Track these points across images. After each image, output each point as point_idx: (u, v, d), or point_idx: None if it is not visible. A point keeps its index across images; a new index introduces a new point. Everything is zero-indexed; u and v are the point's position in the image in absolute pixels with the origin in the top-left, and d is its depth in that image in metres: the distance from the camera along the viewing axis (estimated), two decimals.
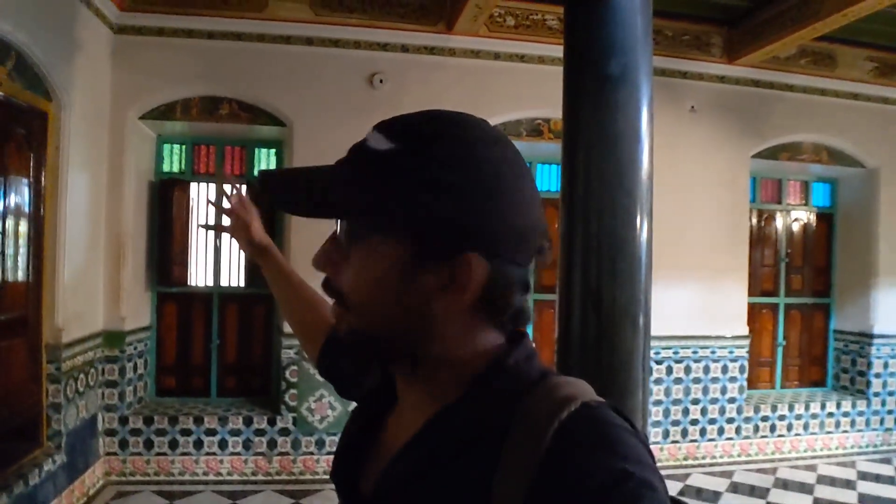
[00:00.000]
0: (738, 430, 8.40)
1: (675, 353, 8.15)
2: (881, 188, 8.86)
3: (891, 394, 9.01)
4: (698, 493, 7.38)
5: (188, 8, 6.87)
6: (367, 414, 1.17)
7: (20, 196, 5.47)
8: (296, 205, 1.04)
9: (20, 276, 5.48)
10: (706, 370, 8.27)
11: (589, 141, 3.64)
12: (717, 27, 8.04)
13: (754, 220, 9.15)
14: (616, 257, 3.61)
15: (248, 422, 7.12)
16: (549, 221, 5.96)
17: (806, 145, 8.72)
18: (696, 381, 8.24)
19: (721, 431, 8.34)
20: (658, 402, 8.09)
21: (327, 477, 6.75)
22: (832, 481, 7.86)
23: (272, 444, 7.15)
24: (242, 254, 7.76)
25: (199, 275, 7.83)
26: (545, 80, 7.15)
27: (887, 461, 8.63)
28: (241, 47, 7.03)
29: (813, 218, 9.54)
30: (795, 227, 9.46)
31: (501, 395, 0.94)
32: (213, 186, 7.76)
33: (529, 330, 1.21)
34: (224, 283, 7.90)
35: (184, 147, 7.79)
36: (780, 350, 9.39)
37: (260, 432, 7.13)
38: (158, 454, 6.96)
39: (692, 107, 8.08)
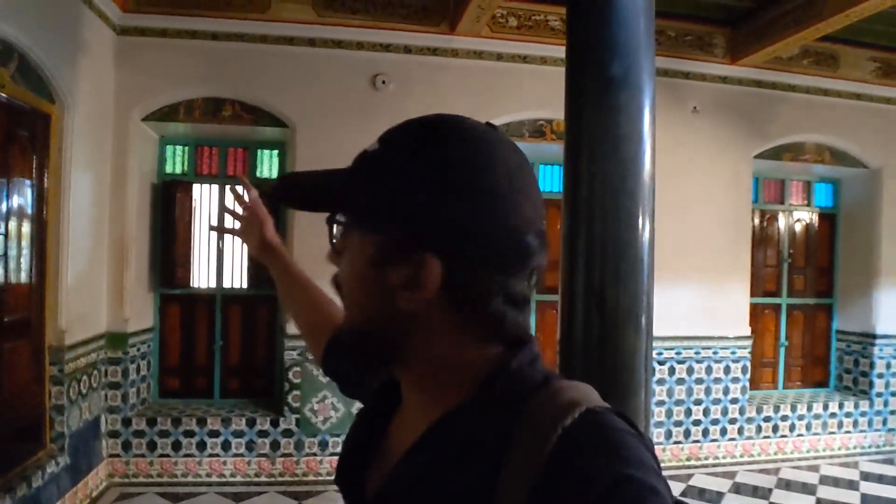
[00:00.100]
0: (740, 431, 8.40)
1: (678, 353, 8.15)
2: (884, 188, 8.86)
3: (893, 394, 9.01)
4: (701, 493, 7.39)
5: (191, 9, 6.88)
6: (372, 417, 1.17)
7: (23, 198, 5.48)
8: (300, 201, 1.12)
9: (23, 277, 5.48)
10: (709, 371, 8.27)
11: (591, 142, 3.63)
12: (720, 28, 8.05)
13: (757, 221, 9.15)
14: (619, 258, 3.60)
15: (251, 423, 7.13)
16: (552, 222, 5.94)
17: (809, 146, 8.73)
18: (699, 381, 8.24)
19: (724, 432, 8.34)
20: (661, 403, 8.10)
21: (330, 478, 6.79)
22: (835, 482, 7.86)
23: (275, 445, 7.15)
24: (245, 255, 7.79)
25: (202, 276, 7.85)
26: (547, 80, 7.17)
27: (890, 461, 8.63)
28: (244, 48, 7.03)
29: (815, 218, 9.55)
30: (798, 228, 9.47)
31: (504, 399, 0.94)
32: (218, 188, 7.79)
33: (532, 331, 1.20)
34: (227, 284, 7.90)
35: (186, 148, 7.79)
36: (782, 350, 9.39)
37: (263, 434, 7.13)
38: (161, 456, 6.96)
39: (695, 107, 8.08)
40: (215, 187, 7.82)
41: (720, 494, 7.36)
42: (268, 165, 7.90)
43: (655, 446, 0.89)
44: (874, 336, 8.95)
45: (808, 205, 9.55)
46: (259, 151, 7.90)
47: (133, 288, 6.97)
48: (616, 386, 3.53)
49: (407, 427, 1.05)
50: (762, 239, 9.24)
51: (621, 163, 3.59)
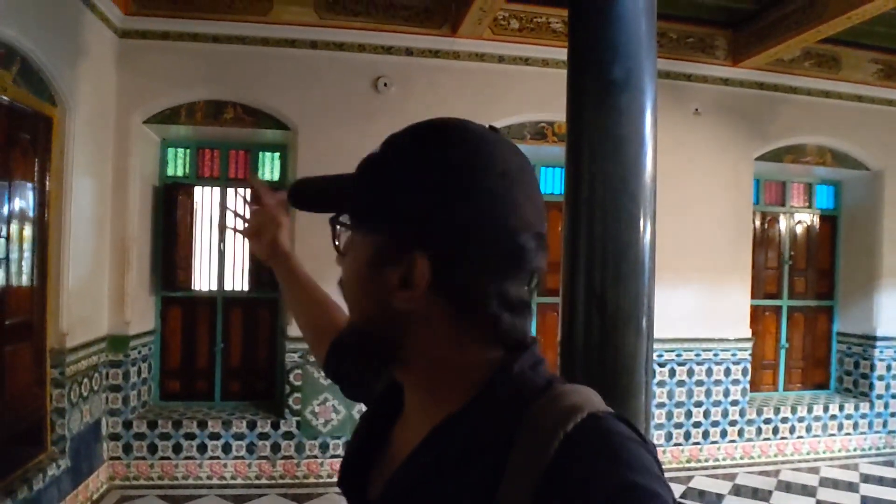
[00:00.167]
0: (740, 433, 8.40)
1: (678, 355, 8.15)
2: (885, 190, 8.86)
3: (894, 396, 9.01)
4: (701, 495, 7.39)
5: (192, 11, 6.88)
6: (376, 420, 1.17)
7: (25, 201, 5.48)
8: (310, 204, 1.14)
9: (25, 280, 5.48)
10: (709, 373, 8.27)
11: (593, 145, 3.63)
12: (722, 30, 8.05)
13: (758, 223, 9.16)
14: (619, 260, 3.60)
15: (252, 426, 7.13)
16: (553, 224, 5.94)
17: (810, 147, 8.73)
18: (699, 383, 8.25)
19: (724, 434, 8.34)
20: (661, 405, 8.10)
21: (331, 480, 6.78)
22: (835, 484, 7.87)
23: (276, 447, 7.15)
24: (247, 258, 7.79)
25: (203, 279, 7.85)
26: (549, 83, 7.18)
27: (890, 464, 8.63)
28: (246, 51, 7.04)
29: (816, 220, 9.55)
30: (799, 230, 9.47)
31: (506, 403, 0.94)
32: (219, 190, 7.79)
33: (532, 333, 1.20)
34: (228, 286, 7.90)
35: (188, 151, 7.80)
36: (783, 352, 9.39)
37: (264, 436, 7.13)
38: (162, 458, 6.97)
39: (696, 109, 8.09)
40: (217, 190, 7.82)
41: (720, 496, 7.37)
42: (269, 168, 7.90)
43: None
44: (875, 338, 8.95)
45: (810, 207, 9.56)
46: (260, 154, 7.90)
47: (134, 290, 6.97)
48: (616, 388, 3.54)
49: (409, 430, 1.05)
50: (763, 241, 9.25)
51: (622, 164, 3.59)
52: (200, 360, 7.79)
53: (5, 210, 5.17)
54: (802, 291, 9.50)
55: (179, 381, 7.77)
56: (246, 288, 7.97)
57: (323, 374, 1.74)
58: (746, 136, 8.32)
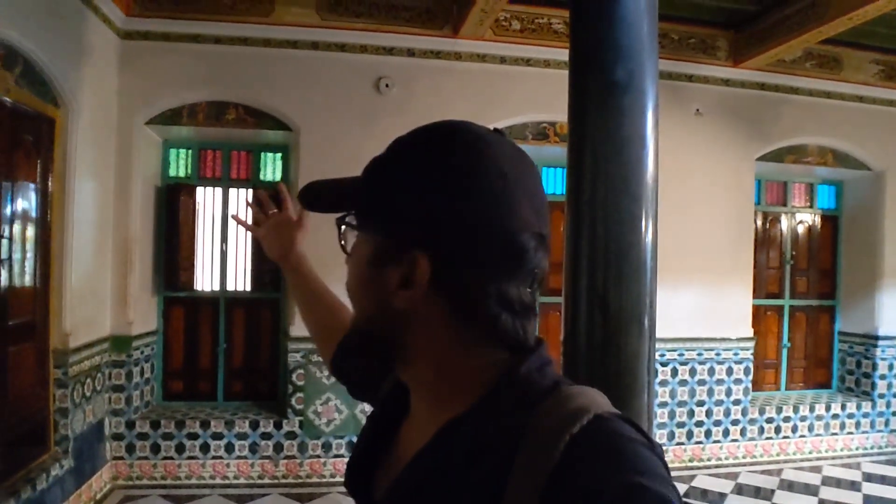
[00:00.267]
0: (742, 432, 8.41)
1: (681, 355, 8.15)
2: (887, 190, 8.87)
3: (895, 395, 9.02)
4: (703, 494, 7.39)
5: (194, 13, 6.89)
6: (382, 421, 1.18)
7: (28, 201, 5.49)
8: (320, 205, 1.15)
9: (28, 281, 5.49)
10: (711, 372, 8.28)
11: (595, 146, 3.64)
12: (723, 30, 8.06)
13: (759, 223, 9.16)
14: (621, 260, 3.61)
15: (254, 425, 7.14)
16: (555, 224, 5.96)
17: (811, 148, 8.73)
18: (701, 382, 8.25)
19: (726, 433, 8.35)
20: (663, 405, 8.10)
21: (334, 480, 6.79)
22: (837, 483, 7.87)
23: (279, 447, 7.16)
24: (249, 258, 7.81)
25: (205, 279, 7.86)
26: (551, 83, 7.19)
27: (892, 463, 8.63)
28: (248, 52, 7.05)
29: (818, 220, 9.55)
30: (800, 230, 9.47)
31: (512, 405, 0.94)
32: (221, 191, 7.80)
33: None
34: (231, 287, 7.91)
35: (190, 152, 7.80)
36: (785, 352, 9.40)
37: (266, 436, 7.14)
38: (165, 458, 6.97)
39: (697, 110, 8.09)
40: (219, 190, 7.83)
41: (723, 495, 7.37)
42: (271, 169, 7.90)
43: None
44: (877, 337, 8.95)
45: (811, 207, 9.56)
46: (262, 155, 7.90)
47: (137, 291, 6.98)
48: (619, 387, 3.54)
49: (416, 431, 1.06)
50: (765, 241, 9.25)
51: (624, 165, 3.59)
52: (203, 360, 7.80)
53: (8, 211, 5.18)
54: (804, 291, 9.50)
55: (182, 382, 7.77)
56: (248, 288, 7.97)
57: (329, 374, 1.75)
58: (748, 137, 8.32)
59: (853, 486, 7.80)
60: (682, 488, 7.43)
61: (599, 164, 3.63)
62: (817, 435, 8.71)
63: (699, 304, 8.10)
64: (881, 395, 8.97)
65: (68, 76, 5.74)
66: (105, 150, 6.60)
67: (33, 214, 5.54)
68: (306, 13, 7.10)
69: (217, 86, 7.09)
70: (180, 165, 7.80)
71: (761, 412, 8.50)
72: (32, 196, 5.54)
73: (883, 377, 8.97)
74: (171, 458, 6.99)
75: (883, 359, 8.96)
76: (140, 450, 6.93)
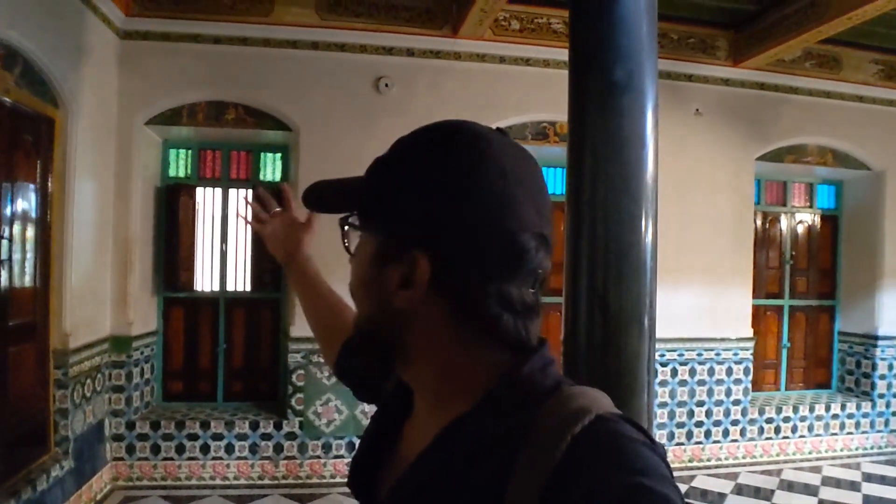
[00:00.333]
0: (742, 432, 8.41)
1: (680, 355, 8.16)
2: (886, 190, 8.87)
3: (895, 395, 9.01)
4: (703, 494, 7.39)
5: (194, 13, 6.89)
6: (385, 421, 1.18)
7: (28, 202, 5.49)
8: (322, 206, 1.16)
9: (28, 281, 5.49)
10: (711, 372, 8.28)
11: (594, 146, 3.64)
12: (723, 30, 8.06)
13: (759, 223, 9.16)
14: (621, 261, 3.61)
15: (254, 426, 7.14)
16: (555, 225, 6.00)
17: (811, 147, 8.74)
18: (701, 382, 8.25)
19: (726, 433, 8.35)
20: (663, 405, 8.10)
21: (334, 481, 6.78)
22: (837, 483, 7.87)
23: (279, 448, 7.16)
24: (249, 258, 7.81)
25: (205, 279, 7.86)
26: (550, 83, 7.19)
27: (892, 463, 8.63)
28: (247, 52, 7.05)
29: (818, 220, 9.56)
30: (800, 230, 9.47)
31: (514, 405, 0.93)
32: (221, 191, 7.80)
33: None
34: (230, 287, 7.91)
35: (190, 152, 7.81)
36: (784, 352, 9.40)
37: (266, 436, 7.14)
38: (165, 459, 6.98)
39: (697, 109, 8.09)
40: (218, 191, 7.84)
41: (722, 496, 7.37)
42: (271, 169, 7.91)
43: None
44: (876, 338, 8.96)
45: (811, 207, 9.56)
46: (262, 155, 7.90)
47: (137, 291, 6.98)
48: (619, 387, 3.54)
49: (418, 431, 1.06)
50: (764, 240, 9.25)
51: (624, 165, 3.59)
52: (203, 360, 7.80)
53: (8, 211, 5.19)
54: (804, 291, 9.51)
55: (182, 382, 7.78)
56: (248, 288, 7.97)
57: (332, 375, 1.75)
58: (747, 137, 8.33)
59: (853, 486, 7.80)
60: (682, 489, 7.39)
61: (599, 164, 3.63)
62: (817, 435, 8.71)
63: (699, 304, 8.10)
64: (881, 395, 8.97)
65: (68, 76, 5.75)
66: (105, 150, 6.60)
67: (33, 215, 5.54)
68: (306, 13, 7.10)
69: (217, 86, 7.09)
70: (180, 165, 7.80)
71: (761, 412, 8.51)
72: (32, 196, 5.54)
73: (883, 377, 8.97)
74: (172, 458, 6.99)
75: (883, 359, 8.96)
76: (140, 450, 6.93)
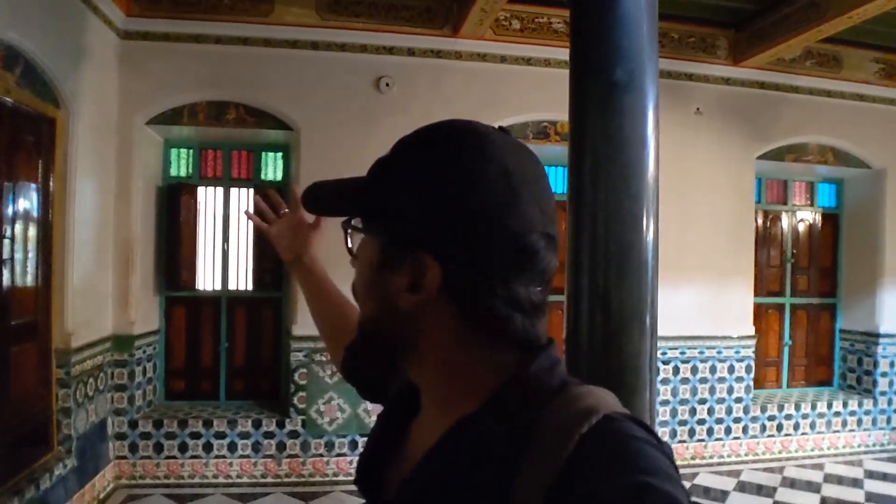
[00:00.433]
0: (745, 430, 8.41)
1: (682, 353, 8.16)
2: (887, 188, 8.87)
3: None
4: (706, 492, 7.40)
5: (194, 13, 6.90)
6: (392, 420, 1.18)
7: (29, 202, 5.50)
8: (323, 208, 1.19)
9: (29, 281, 5.50)
10: (713, 370, 8.28)
11: (595, 146, 3.64)
12: (723, 29, 8.06)
13: (760, 221, 9.16)
14: (623, 260, 3.61)
15: (257, 425, 7.15)
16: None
17: (811, 146, 8.73)
18: (703, 380, 8.26)
19: (728, 431, 8.36)
20: (665, 402, 8.11)
21: (337, 479, 6.79)
22: (839, 480, 7.87)
23: (281, 446, 7.17)
24: (251, 257, 7.82)
25: (207, 278, 7.87)
26: (551, 82, 7.19)
27: (894, 460, 8.63)
28: (248, 52, 7.05)
29: (819, 218, 9.56)
30: (801, 228, 9.47)
31: (521, 405, 0.93)
32: (222, 190, 7.80)
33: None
34: (232, 286, 7.92)
35: (191, 151, 7.82)
36: (786, 350, 9.40)
37: (269, 435, 7.15)
38: (168, 457, 6.98)
39: (698, 108, 8.09)
40: (220, 190, 7.84)
41: (725, 493, 7.38)
42: (272, 168, 7.92)
43: None
44: (878, 335, 8.96)
45: (812, 205, 9.56)
46: (263, 154, 7.92)
47: (138, 291, 6.99)
48: (621, 386, 3.54)
49: (425, 430, 1.05)
50: (765, 239, 9.26)
51: (625, 165, 3.60)
52: (205, 359, 7.82)
53: (10, 211, 5.20)
54: (805, 289, 9.51)
55: (184, 381, 7.79)
56: (250, 287, 7.98)
57: (339, 375, 1.74)
58: (748, 136, 8.33)
59: (855, 483, 7.80)
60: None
61: (600, 163, 3.64)
62: (819, 432, 8.72)
63: (700, 303, 8.11)
64: (882, 393, 8.97)
65: (69, 77, 5.75)
66: (106, 150, 6.61)
67: (35, 214, 5.56)
68: (306, 13, 7.11)
69: (217, 86, 7.09)
70: (181, 165, 7.81)
71: (763, 410, 8.51)
72: (34, 196, 5.55)
73: (884, 374, 8.97)
74: (174, 457, 7.00)
75: (884, 356, 8.97)
76: (143, 449, 6.94)
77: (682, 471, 7.12)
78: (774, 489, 7.53)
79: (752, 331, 8.47)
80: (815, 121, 8.57)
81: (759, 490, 7.51)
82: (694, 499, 7.17)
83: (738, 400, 8.37)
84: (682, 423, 8.20)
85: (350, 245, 1.11)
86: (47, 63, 5.38)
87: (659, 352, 6.37)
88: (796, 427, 8.62)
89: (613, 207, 3.60)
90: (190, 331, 7.82)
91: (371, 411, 7.12)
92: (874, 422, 8.95)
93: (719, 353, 8.28)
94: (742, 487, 7.56)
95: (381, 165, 1.04)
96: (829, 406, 8.79)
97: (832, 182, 9.62)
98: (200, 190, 7.82)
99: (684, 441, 8.19)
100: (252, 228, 7.62)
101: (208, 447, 7.05)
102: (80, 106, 5.94)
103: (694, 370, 8.21)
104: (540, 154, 5.87)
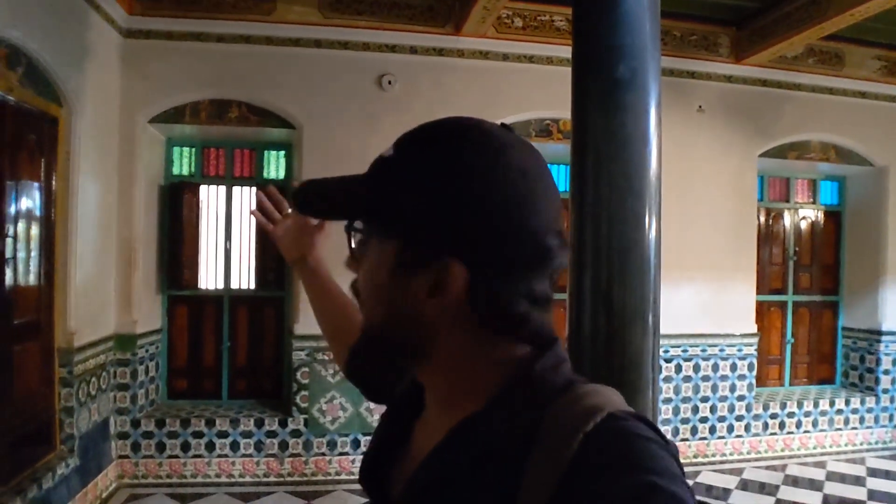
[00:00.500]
0: (747, 428, 8.41)
1: (685, 351, 8.16)
2: (889, 186, 8.86)
3: None
4: (708, 490, 7.39)
5: (197, 12, 6.89)
6: (396, 419, 1.17)
7: (32, 200, 5.50)
8: (319, 210, 1.16)
9: (32, 280, 5.50)
10: (715, 368, 8.28)
11: (597, 144, 3.65)
12: (725, 27, 8.05)
13: (762, 219, 9.15)
14: (625, 258, 3.61)
15: (259, 424, 7.15)
16: None
17: (814, 144, 8.72)
18: (706, 378, 8.25)
19: (730, 429, 8.35)
20: (668, 400, 8.10)
21: (339, 478, 6.79)
22: (842, 478, 7.87)
23: (284, 445, 7.17)
24: (253, 256, 7.82)
25: (209, 277, 7.88)
26: (554, 80, 7.18)
27: None
28: (250, 50, 7.05)
29: (821, 216, 9.55)
30: (803, 226, 9.47)
31: (526, 403, 0.92)
32: (225, 189, 7.81)
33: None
34: (234, 285, 7.93)
35: (193, 150, 7.82)
36: (788, 347, 9.40)
37: (271, 434, 7.15)
38: (170, 457, 6.99)
39: (700, 106, 8.08)
40: (222, 189, 7.85)
41: (727, 491, 7.38)
42: (274, 166, 7.92)
43: None
44: (880, 333, 8.95)
45: (814, 203, 9.55)
46: (266, 152, 7.93)
47: (141, 289, 6.99)
48: (624, 384, 3.54)
49: (430, 429, 1.04)
50: (768, 237, 9.25)
51: (628, 164, 3.60)
52: (207, 358, 7.82)
53: (12, 209, 5.19)
54: (807, 287, 9.50)
55: (186, 380, 7.79)
56: (252, 286, 7.99)
57: (342, 375, 1.73)
58: (750, 133, 8.32)
59: (857, 481, 7.80)
60: None
61: (603, 162, 3.64)
62: (821, 430, 8.71)
63: (702, 301, 8.10)
64: (885, 391, 8.97)
65: (71, 75, 5.75)
66: (108, 148, 6.61)
67: (37, 213, 5.55)
68: (308, 11, 7.10)
69: (220, 84, 7.09)
70: (183, 164, 7.81)
71: (765, 408, 8.51)
72: (36, 195, 5.55)
73: (886, 372, 8.97)
74: (177, 456, 7.00)
75: (886, 354, 8.96)
76: (145, 448, 6.94)
77: (684, 469, 7.17)
78: (777, 487, 7.53)
79: (754, 328, 8.47)
80: (817, 118, 8.56)
81: (762, 488, 7.51)
82: (700, 498, 7.17)
83: (741, 398, 8.37)
84: (685, 421, 8.19)
85: (354, 248, 1.08)
86: (50, 62, 5.38)
87: (661, 350, 6.36)
88: (799, 425, 8.62)
89: (616, 205, 3.61)
90: (192, 330, 7.82)
91: (374, 410, 7.12)
92: (876, 419, 8.94)
93: (722, 350, 8.28)
94: (744, 486, 7.56)
95: (389, 166, 1.00)
96: (832, 404, 8.78)
97: (834, 179, 9.60)
98: (203, 188, 7.82)
99: (687, 439, 8.19)
100: (255, 227, 7.63)
101: (211, 446, 7.05)
102: (83, 105, 5.94)
103: (696, 368, 8.21)
104: (542, 152, 5.88)
